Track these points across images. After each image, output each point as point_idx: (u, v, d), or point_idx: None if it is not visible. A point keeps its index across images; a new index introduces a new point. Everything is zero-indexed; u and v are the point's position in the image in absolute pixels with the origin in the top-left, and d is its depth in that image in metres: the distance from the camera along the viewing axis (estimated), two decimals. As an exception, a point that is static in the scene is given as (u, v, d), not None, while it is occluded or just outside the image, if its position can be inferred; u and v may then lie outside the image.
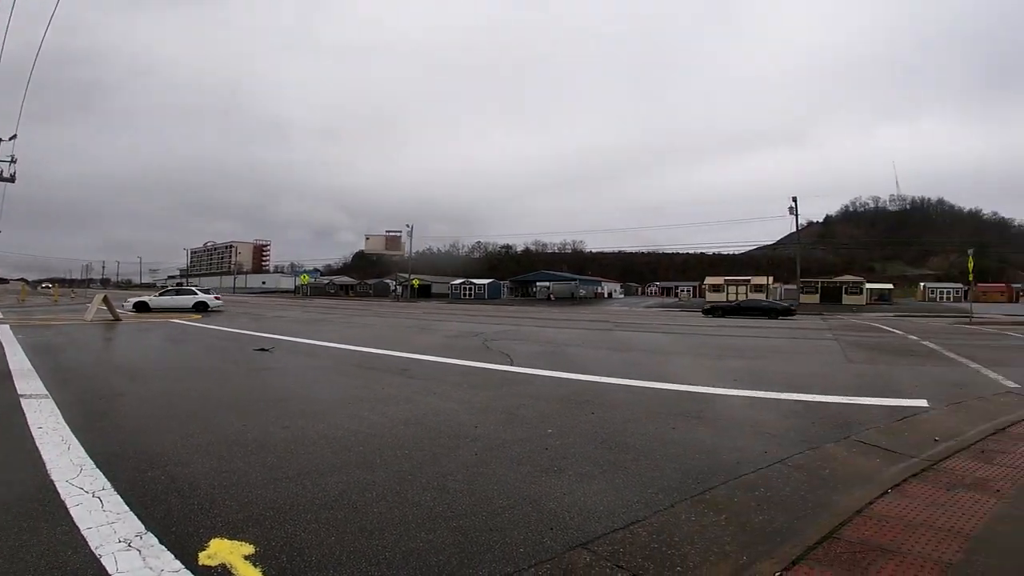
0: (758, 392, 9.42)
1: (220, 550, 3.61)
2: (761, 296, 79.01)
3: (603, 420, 7.35)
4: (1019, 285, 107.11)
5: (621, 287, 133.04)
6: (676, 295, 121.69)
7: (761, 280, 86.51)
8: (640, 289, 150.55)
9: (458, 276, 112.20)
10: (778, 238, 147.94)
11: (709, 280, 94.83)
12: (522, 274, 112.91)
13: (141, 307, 36.22)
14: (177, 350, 15.51)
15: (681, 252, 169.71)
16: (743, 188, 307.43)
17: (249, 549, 3.63)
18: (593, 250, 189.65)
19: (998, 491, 5.00)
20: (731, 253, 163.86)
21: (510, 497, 4.61)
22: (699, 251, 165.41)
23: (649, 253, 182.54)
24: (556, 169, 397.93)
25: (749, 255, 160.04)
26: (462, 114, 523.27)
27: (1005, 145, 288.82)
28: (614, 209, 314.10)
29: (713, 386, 9.87)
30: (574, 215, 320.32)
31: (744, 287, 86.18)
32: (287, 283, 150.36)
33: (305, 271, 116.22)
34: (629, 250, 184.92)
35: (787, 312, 45.57)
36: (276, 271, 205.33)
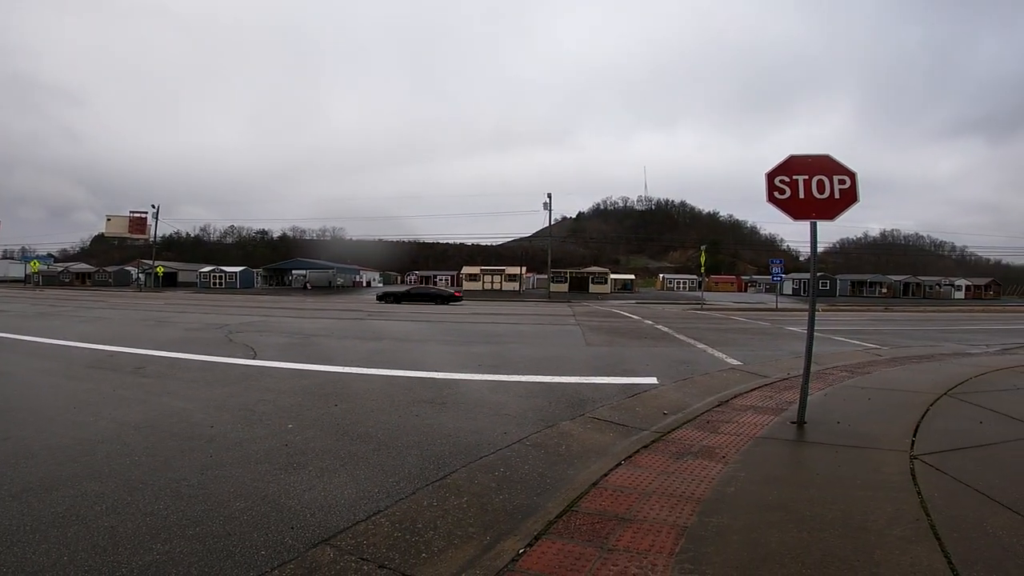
0: (500, 376, 9.92)
1: (-56, 582, 3.34)
2: (515, 285, 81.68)
3: (346, 412, 7.44)
4: (747, 277, 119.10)
5: (380, 276, 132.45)
6: (435, 283, 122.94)
7: (515, 270, 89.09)
8: (400, 278, 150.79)
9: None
10: (534, 231, 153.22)
11: (466, 270, 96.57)
12: (278, 261, 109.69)
13: None
14: None
15: (441, 242, 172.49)
16: (505, 182, 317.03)
17: (-24, 578, 3.38)
18: (354, 237, 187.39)
19: (724, 457, 5.59)
20: (490, 244, 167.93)
21: (248, 499, 4.58)
22: (459, 242, 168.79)
23: (410, 242, 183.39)
24: (323, 154, 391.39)
25: (506, 246, 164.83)
26: (228, 92, 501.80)
27: (744, 157, 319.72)
28: (377, 197, 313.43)
29: (458, 372, 10.30)
30: (336, 202, 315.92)
31: (499, 276, 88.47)
32: (17, 271, 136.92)
33: (36, 257, 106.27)
34: (390, 238, 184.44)
35: (452, 298, 49.98)
36: (5, 257, 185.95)
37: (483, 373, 10.16)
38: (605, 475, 5.12)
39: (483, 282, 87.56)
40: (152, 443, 6.07)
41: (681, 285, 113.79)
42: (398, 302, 46.96)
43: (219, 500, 4.55)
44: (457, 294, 53.14)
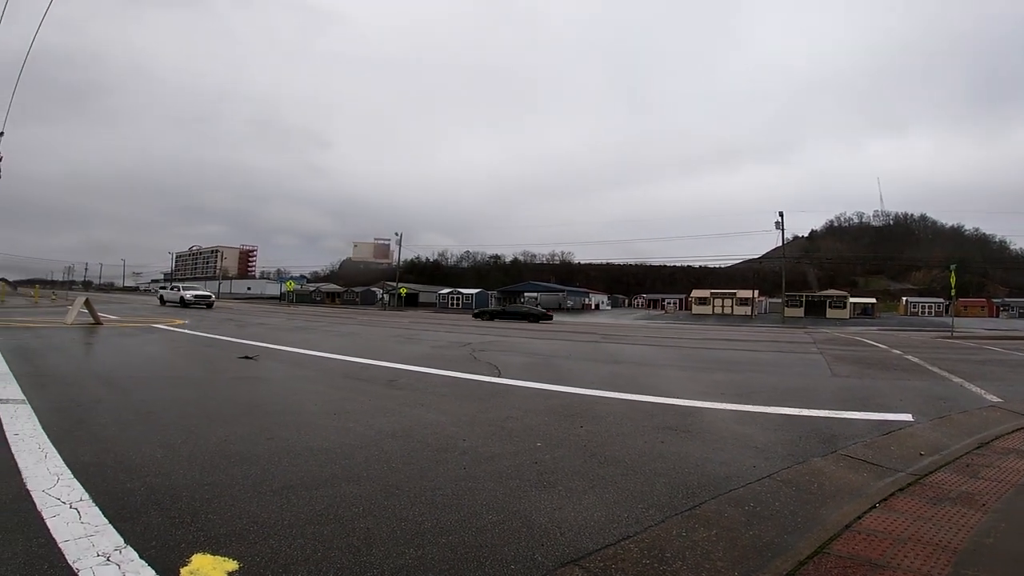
0: (745, 406, 9.37)
1: (202, 566, 3.50)
2: (747, 309, 79.45)
3: (592, 434, 7.26)
4: (999, 300, 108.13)
5: (608, 299, 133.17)
6: (662, 307, 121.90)
7: (747, 294, 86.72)
8: (627, 301, 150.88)
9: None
10: (764, 251, 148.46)
11: (696, 293, 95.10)
12: (510, 285, 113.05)
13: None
14: (160, 357, 15.28)
15: (668, 264, 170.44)
16: (730, 201, 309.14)
17: (232, 565, 3.52)
18: (581, 261, 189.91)
19: (984, 505, 5.02)
20: (718, 266, 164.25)
21: (500, 512, 4.53)
22: (686, 264, 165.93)
23: (637, 265, 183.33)
24: (546, 178, 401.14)
25: (736, 268, 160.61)
26: (454, 123, 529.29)
27: (988, 162, 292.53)
28: (603, 220, 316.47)
29: (701, 399, 9.82)
30: (563, 226, 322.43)
31: (730, 300, 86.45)
32: (273, 289, 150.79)
33: (291, 278, 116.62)
34: (617, 262, 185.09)
35: (544, 317, 53.87)
36: (262, 277, 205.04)
37: (726, 402, 9.66)
38: (858, 518, 4.71)
39: (713, 306, 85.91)
40: (408, 452, 6.21)
41: (926, 309, 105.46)
42: (492, 319, 50.21)
43: (472, 511, 4.52)
44: (548, 313, 57.81)
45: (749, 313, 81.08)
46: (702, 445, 6.88)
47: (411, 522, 4.27)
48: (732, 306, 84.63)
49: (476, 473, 5.52)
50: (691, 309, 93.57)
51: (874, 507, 4.98)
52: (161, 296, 63.26)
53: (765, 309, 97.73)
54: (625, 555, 3.89)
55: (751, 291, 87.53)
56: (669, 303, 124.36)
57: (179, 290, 58.40)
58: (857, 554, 4.01)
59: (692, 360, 18.05)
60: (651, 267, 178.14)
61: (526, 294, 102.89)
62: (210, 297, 57.69)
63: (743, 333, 37.51)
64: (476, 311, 57.35)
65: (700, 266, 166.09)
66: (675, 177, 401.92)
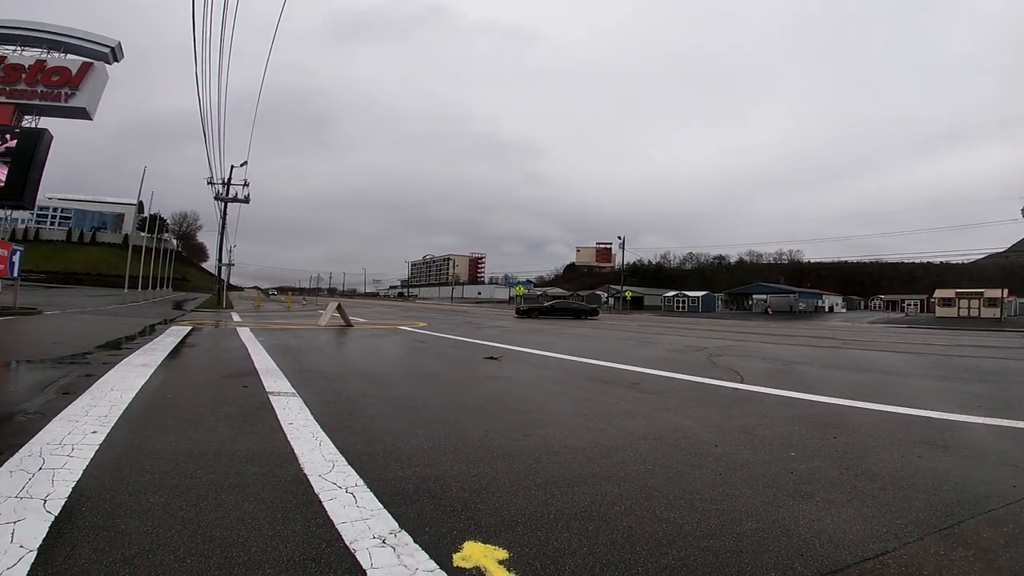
0: (1004, 420, 8.66)
1: (474, 553, 3.74)
2: (996, 311, 73.44)
3: (845, 445, 7.02)
4: None
5: (843, 300, 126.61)
6: (902, 309, 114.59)
7: (995, 293, 79.68)
8: (863, 303, 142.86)
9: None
10: (1010, 244, 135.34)
11: (939, 294, 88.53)
12: (736, 286, 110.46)
13: None
14: (409, 356, 16.40)
15: (906, 261, 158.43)
16: (966, 187, 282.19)
17: (503, 554, 3.74)
18: (811, 260, 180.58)
19: None
20: (960, 262, 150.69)
21: (758, 519, 4.52)
22: (925, 260, 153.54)
23: (871, 263, 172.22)
24: (768, 173, 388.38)
25: (978, 264, 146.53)
26: (667, 123, 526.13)
27: None
28: (832, 215, 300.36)
29: (955, 412, 9.19)
30: (790, 223, 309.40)
31: (977, 301, 79.92)
32: (501, 294, 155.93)
33: (519, 282, 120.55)
34: (850, 260, 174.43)
35: (591, 313, 54.57)
36: (491, 282, 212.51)
37: (983, 416, 8.92)
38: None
39: (958, 307, 79.75)
40: (661, 455, 6.29)
41: None
42: (540, 315, 50.54)
43: (731, 517, 4.54)
44: (596, 309, 60.92)
45: (998, 315, 74.56)
46: (960, 461, 6.51)
47: (671, 523, 4.35)
48: (979, 308, 78.18)
49: (731, 479, 5.51)
50: (934, 311, 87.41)
51: None
52: None
53: (1015, 310, 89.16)
54: (883, 570, 3.82)
55: (1000, 290, 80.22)
56: (909, 304, 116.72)
57: None
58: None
59: (941, 368, 16.85)
60: (887, 265, 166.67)
61: (755, 296, 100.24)
62: None
63: (994, 339, 34.57)
64: (523, 307, 55.91)
65: (941, 262, 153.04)
66: (905, 163, 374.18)
